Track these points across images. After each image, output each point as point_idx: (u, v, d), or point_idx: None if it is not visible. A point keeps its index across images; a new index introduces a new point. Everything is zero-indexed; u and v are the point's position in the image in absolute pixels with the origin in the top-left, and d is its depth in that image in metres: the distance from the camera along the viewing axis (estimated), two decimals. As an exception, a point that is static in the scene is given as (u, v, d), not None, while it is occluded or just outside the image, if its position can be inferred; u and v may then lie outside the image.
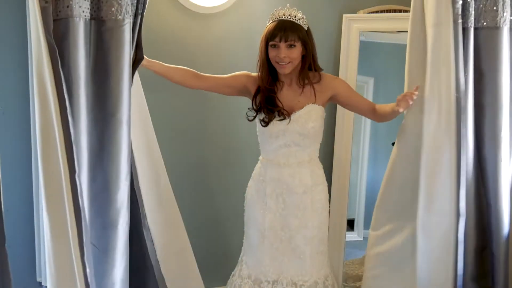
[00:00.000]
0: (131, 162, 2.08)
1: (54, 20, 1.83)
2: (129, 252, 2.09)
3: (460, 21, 2.04)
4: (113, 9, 1.91)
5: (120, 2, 1.90)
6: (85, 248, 1.86)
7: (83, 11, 1.87)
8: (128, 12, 1.92)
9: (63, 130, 1.81)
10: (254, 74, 2.20)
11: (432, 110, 2.07)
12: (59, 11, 1.83)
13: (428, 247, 2.14)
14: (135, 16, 1.98)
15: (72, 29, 1.84)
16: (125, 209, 2.03)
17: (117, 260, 2.03)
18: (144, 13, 2.00)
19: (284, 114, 2.09)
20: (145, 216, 2.20)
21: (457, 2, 2.03)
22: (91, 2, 1.91)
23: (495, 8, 2.08)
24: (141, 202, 2.19)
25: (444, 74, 2.05)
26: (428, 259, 2.14)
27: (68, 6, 1.82)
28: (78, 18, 1.84)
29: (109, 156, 1.99)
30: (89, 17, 1.91)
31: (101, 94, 1.96)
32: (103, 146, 1.99)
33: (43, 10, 1.75)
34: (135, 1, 1.96)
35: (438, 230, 2.13)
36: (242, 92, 2.21)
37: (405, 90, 2.14)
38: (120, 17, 1.90)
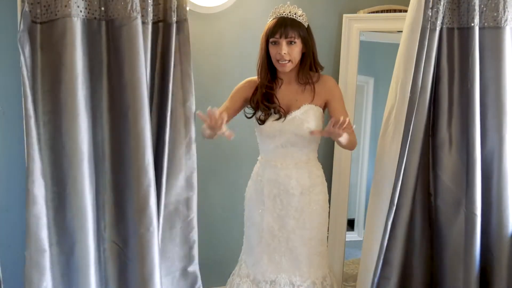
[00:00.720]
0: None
1: (51, 21, 1.86)
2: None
3: (428, 26, 2.08)
4: (119, 7, 1.91)
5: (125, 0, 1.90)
6: (31, 258, 1.86)
7: (81, 11, 1.88)
8: (135, 9, 1.92)
9: (26, 133, 1.84)
10: (247, 80, 2.19)
11: (388, 104, 2.18)
12: (58, 11, 1.85)
13: (372, 230, 2.23)
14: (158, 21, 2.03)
15: (70, 28, 1.84)
16: (147, 212, 1.97)
17: (145, 263, 1.99)
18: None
19: (281, 112, 2.09)
20: None
21: (429, 8, 2.06)
22: (97, 2, 1.92)
23: (496, 8, 2.09)
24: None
25: (407, 74, 2.10)
26: (369, 242, 2.26)
27: (66, 6, 1.83)
28: (76, 18, 1.85)
29: (127, 158, 1.98)
30: (89, 17, 1.92)
31: (116, 94, 1.97)
32: (120, 148, 1.99)
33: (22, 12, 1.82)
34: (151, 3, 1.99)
35: (379, 216, 2.20)
36: (245, 104, 2.20)
37: (390, 88, 2.20)
38: (126, 14, 1.91)
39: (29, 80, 1.84)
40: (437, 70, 2.15)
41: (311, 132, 2.01)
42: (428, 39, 2.09)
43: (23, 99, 1.83)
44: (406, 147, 2.14)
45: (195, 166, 2.13)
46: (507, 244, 2.17)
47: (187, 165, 2.12)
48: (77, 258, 1.93)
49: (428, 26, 2.08)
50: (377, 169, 2.28)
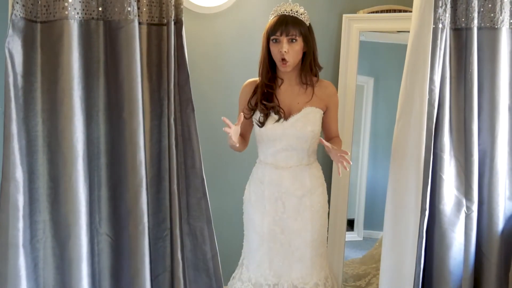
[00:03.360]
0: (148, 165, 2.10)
1: (50, 21, 1.88)
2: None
3: (440, 25, 2.06)
4: (116, 8, 1.93)
5: (122, 2, 1.92)
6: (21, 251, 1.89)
7: (78, 13, 1.90)
8: (133, 12, 1.93)
9: (4, 136, 1.88)
10: (245, 84, 2.19)
11: (404, 109, 2.11)
12: (56, 12, 1.87)
13: (394, 241, 2.16)
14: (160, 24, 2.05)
15: (67, 30, 1.88)
16: (137, 210, 2.02)
17: (135, 259, 2.05)
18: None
19: (280, 112, 2.08)
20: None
21: (439, 6, 2.05)
22: (95, 2, 1.94)
23: (493, 9, 2.09)
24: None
25: (420, 76, 2.07)
26: (392, 253, 2.18)
27: (63, 8, 1.86)
28: (72, 20, 1.88)
29: (120, 156, 2.02)
30: (86, 18, 1.95)
31: (112, 94, 2.01)
32: (115, 146, 2.03)
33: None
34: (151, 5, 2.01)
35: (402, 225, 2.14)
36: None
37: (401, 90, 2.15)
38: (123, 16, 1.92)
39: (14, 84, 1.87)
40: (443, 71, 2.13)
41: (320, 140, 2.00)
42: (440, 39, 2.07)
43: (4, 102, 1.87)
44: (422, 149, 2.09)
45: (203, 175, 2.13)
46: (497, 241, 2.18)
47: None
48: (70, 251, 1.97)
49: (440, 26, 2.06)
50: (396, 177, 2.17)
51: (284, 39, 2.01)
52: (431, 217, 2.16)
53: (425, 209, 2.11)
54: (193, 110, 2.09)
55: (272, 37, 2.03)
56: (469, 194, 2.16)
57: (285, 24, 2.00)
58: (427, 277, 2.21)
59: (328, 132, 2.22)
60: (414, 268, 2.12)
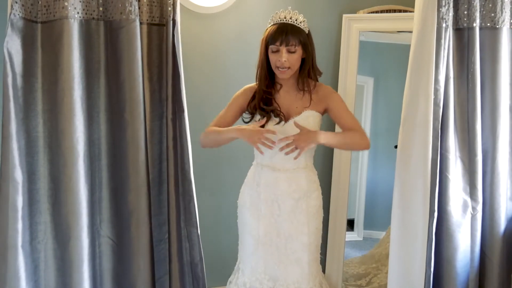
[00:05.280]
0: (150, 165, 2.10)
1: (50, 21, 1.88)
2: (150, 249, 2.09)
3: (444, 24, 2.06)
4: (117, 8, 1.94)
5: (124, 2, 1.92)
6: (20, 250, 1.89)
7: (78, 12, 1.90)
8: (134, 11, 1.93)
9: (3, 136, 1.88)
10: (244, 88, 2.17)
11: (410, 110, 2.10)
12: (56, 12, 1.87)
13: (402, 245, 2.15)
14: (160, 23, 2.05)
15: (67, 30, 1.87)
16: (139, 211, 2.03)
17: (133, 259, 2.05)
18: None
19: (280, 115, 2.06)
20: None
21: (442, 6, 2.04)
22: (95, 3, 1.94)
23: (493, 9, 2.09)
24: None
25: (425, 76, 2.06)
26: (400, 257, 2.16)
27: (63, 7, 1.86)
28: (72, 20, 1.88)
29: (122, 156, 2.02)
30: (86, 18, 1.95)
31: (113, 94, 2.01)
32: (116, 146, 2.03)
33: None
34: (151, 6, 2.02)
35: (411, 228, 2.13)
36: (242, 112, 2.17)
37: (405, 90, 2.14)
38: (125, 16, 1.93)
39: (13, 84, 1.86)
40: (446, 71, 2.13)
41: (295, 123, 1.99)
42: (443, 38, 2.07)
43: (3, 102, 1.86)
44: (429, 150, 2.08)
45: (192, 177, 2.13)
46: (499, 242, 2.18)
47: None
48: (71, 253, 1.97)
49: (443, 25, 2.06)
50: (402, 179, 2.14)
51: (283, 49, 1.98)
52: (439, 219, 2.14)
53: (434, 211, 2.09)
54: (183, 111, 2.07)
55: (271, 46, 2.00)
56: (474, 195, 2.16)
57: (285, 34, 1.96)
58: (436, 279, 2.19)
59: (343, 127, 2.15)
60: (424, 271, 2.11)
